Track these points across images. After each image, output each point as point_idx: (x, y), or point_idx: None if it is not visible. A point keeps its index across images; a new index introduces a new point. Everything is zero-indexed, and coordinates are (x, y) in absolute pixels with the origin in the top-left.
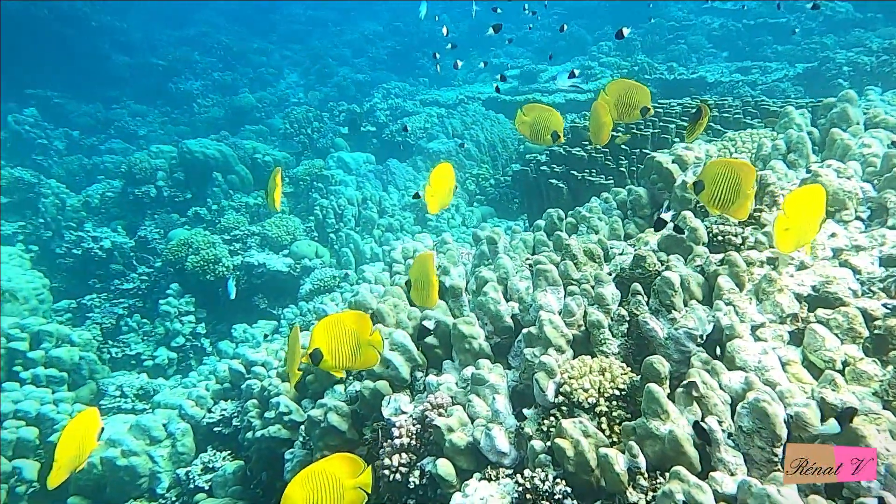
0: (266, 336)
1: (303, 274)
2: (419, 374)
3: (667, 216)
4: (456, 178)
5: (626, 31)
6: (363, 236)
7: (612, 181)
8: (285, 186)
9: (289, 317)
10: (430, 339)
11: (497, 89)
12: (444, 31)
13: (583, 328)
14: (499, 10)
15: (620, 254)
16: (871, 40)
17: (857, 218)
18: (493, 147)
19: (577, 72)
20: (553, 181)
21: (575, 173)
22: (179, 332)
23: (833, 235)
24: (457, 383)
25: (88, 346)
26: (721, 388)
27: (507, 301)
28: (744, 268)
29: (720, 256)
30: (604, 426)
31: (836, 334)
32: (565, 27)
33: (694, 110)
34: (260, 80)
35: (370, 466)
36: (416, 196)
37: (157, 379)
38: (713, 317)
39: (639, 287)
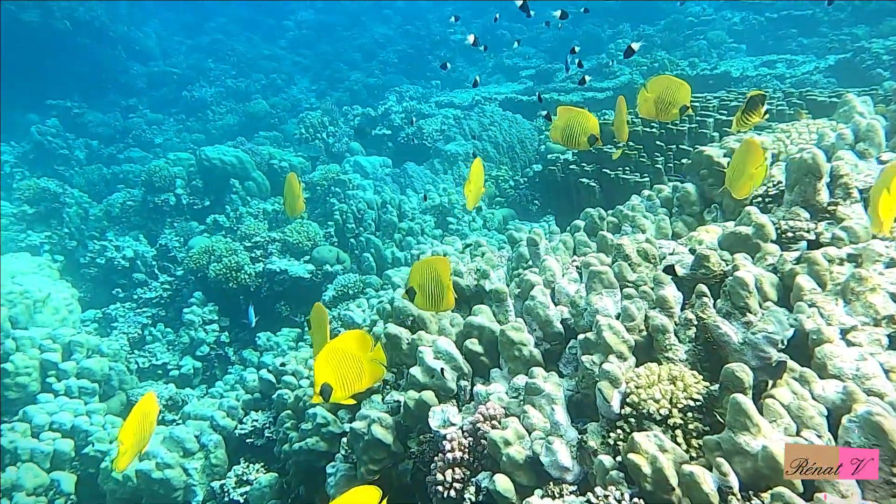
0: (292, 344)
1: (325, 280)
2: (463, 384)
3: (680, 270)
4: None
5: (635, 47)
6: (384, 241)
7: (647, 179)
8: (303, 192)
9: None
10: (476, 347)
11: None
12: (471, 39)
13: (644, 333)
14: (497, 18)
15: (671, 254)
16: None
17: None
18: (511, 148)
19: (586, 78)
20: (584, 180)
21: (608, 171)
22: (204, 342)
23: None
24: (507, 392)
25: (118, 356)
26: (814, 398)
27: (555, 304)
28: (825, 266)
29: (795, 254)
30: (679, 440)
31: None
32: (587, 10)
33: (748, 99)
34: (272, 87)
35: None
36: (426, 198)
37: (184, 389)
38: (795, 319)
39: (704, 289)
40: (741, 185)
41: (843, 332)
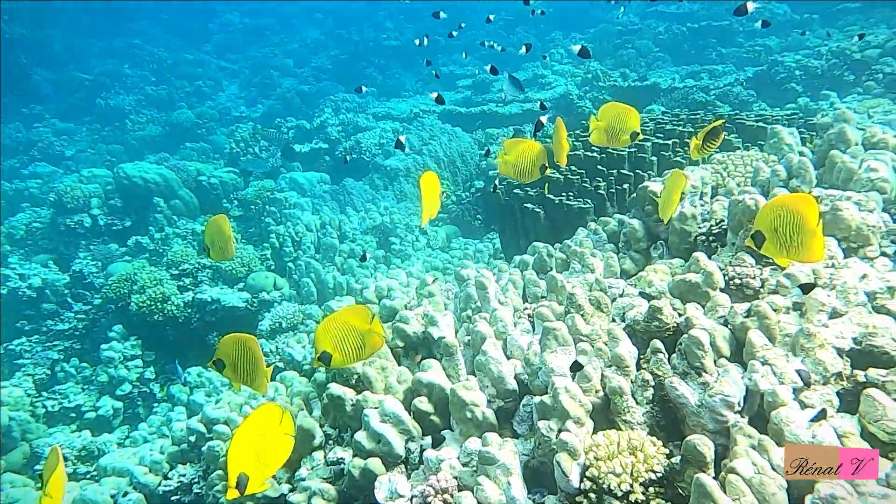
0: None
1: (261, 308)
2: (413, 446)
3: (584, 361)
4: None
5: (576, 48)
6: (324, 264)
7: (591, 205)
8: (235, 210)
9: None
10: (425, 406)
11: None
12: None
13: (601, 395)
14: (442, 15)
15: (621, 295)
16: (810, 40)
17: (883, 254)
18: (452, 162)
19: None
20: (529, 206)
21: (551, 197)
22: (125, 379)
23: (864, 277)
24: (459, 458)
25: (19, 403)
26: (774, 468)
27: (508, 357)
28: (775, 320)
29: (745, 306)
30: None
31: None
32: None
33: (707, 126)
34: (198, 94)
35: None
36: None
37: (101, 436)
38: (750, 379)
39: (659, 345)
40: (666, 209)
41: (797, 392)
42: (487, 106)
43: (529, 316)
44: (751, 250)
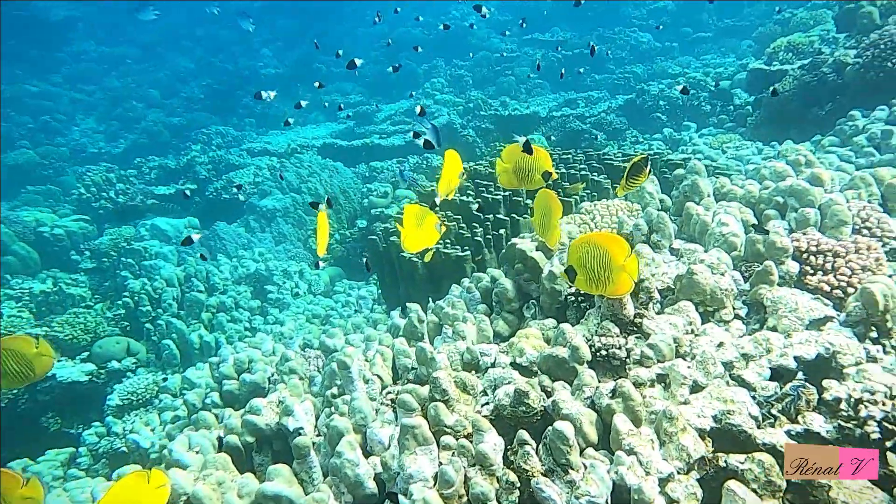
0: (60, 471)
1: (110, 380)
2: None
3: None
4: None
5: (420, 141)
6: (189, 322)
7: (468, 251)
8: (86, 262)
9: (90, 441)
10: None
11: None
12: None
13: (465, 500)
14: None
15: (493, 365)
16: (672, 67)
17: (736, 316)
18: (334, 200)
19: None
20: (405, 254)
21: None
22: None
23: (721, 346)
24: None
25: None
26: None
27: (368, 454)
28: (639, 401)
29: (611, 385)
30: None
31: (755, 489)
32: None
33: (632, 164)
34: (45, 130)
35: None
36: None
37: None
38: (616, 472)
39: (526, 436)
40: (551, 235)
41: (662, 483)
42: (371, 138)
43: (392, 402)
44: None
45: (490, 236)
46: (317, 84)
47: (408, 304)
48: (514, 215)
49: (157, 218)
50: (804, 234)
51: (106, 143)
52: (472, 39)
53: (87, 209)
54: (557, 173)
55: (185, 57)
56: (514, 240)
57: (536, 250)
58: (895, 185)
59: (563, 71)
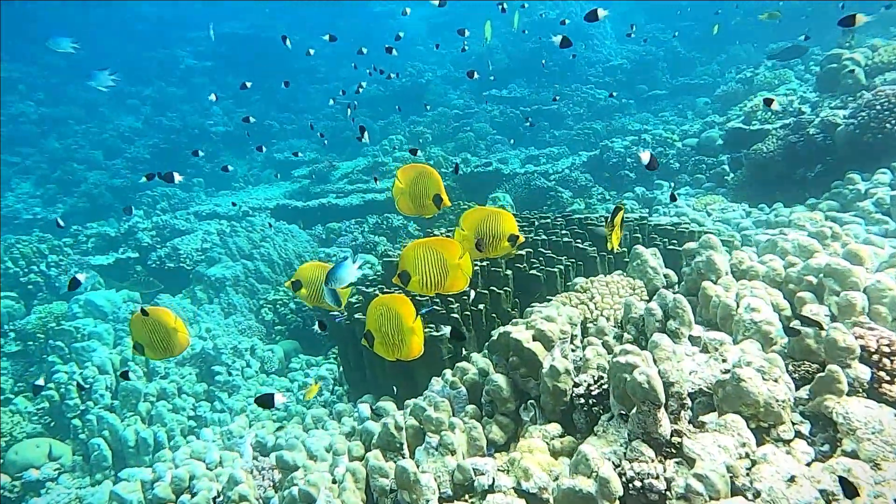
0: None
1: (26, 493)
2: None
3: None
4: (257, 303)
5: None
6: (123, 415)
7: (444, 333)
8: (11, 345)
9: None
10: None
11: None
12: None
13: None
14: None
15: (491, 488)
16: (631, 124)
17: (797, 434)
18: (289, 265)
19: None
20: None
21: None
22: None
23: (792, 481)
24: None
25: None
26: None
27: None
28: None
29: None
30: None
31: None
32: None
33: (611, 217)
34: None
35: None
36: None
37: None
38: None
39: None
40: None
41: None
42: (327, 198)
43: None
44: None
45: (469, 313)
46: (259, 148)
47: (381, 405)
48: (493, 288)
49: (93, 292)
50: (870, 329)
51: (42, 208)
52: (429, 95)
53: (14, 284)
54: (531, 239)
55: (132, 116)
56: (506, 328)
57: (534, 340)
58: None
59: (529, 119)
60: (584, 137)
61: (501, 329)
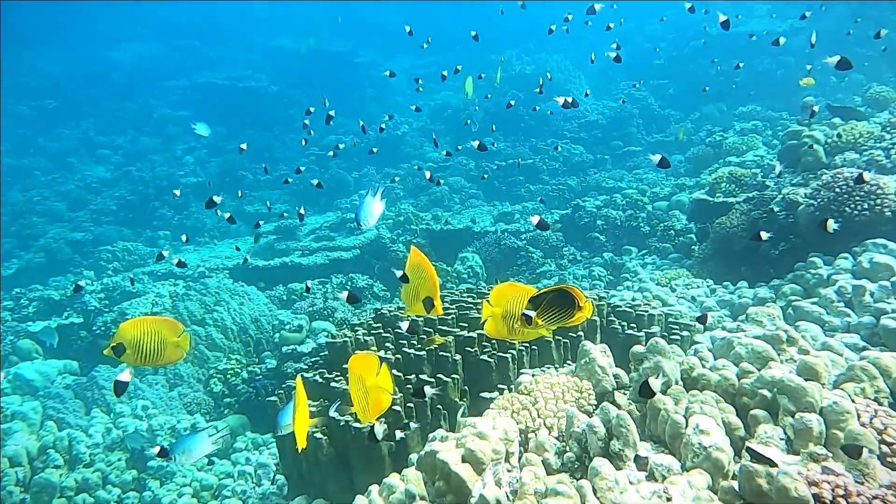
0: None
1: None
2: None
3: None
4: (206, 372)
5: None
6: None
7: (385, 426)
8: None
9: None
10: None
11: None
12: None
13: None
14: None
15: None
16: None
17: None
18: (244, 331)
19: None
20: (318, 436)
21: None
22: None
23: None
24: None
25: None
26: None
27: None
28: None
29: None
30: None
31: None
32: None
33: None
34: None
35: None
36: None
37: None
38: None
39: None
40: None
41: None
42: (291, 256)
43: None
44: None
45: (411, 407)
46: (218, 211)
47: None
48: (440, 375)
49: (24, 364)
50: (826, 472)
51: None
52: (405, 148)
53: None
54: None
55: (101, 166)
56: (433, 445)
57: (463, 462)
58: None
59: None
60: (558, 193)
61: (429, 447)
